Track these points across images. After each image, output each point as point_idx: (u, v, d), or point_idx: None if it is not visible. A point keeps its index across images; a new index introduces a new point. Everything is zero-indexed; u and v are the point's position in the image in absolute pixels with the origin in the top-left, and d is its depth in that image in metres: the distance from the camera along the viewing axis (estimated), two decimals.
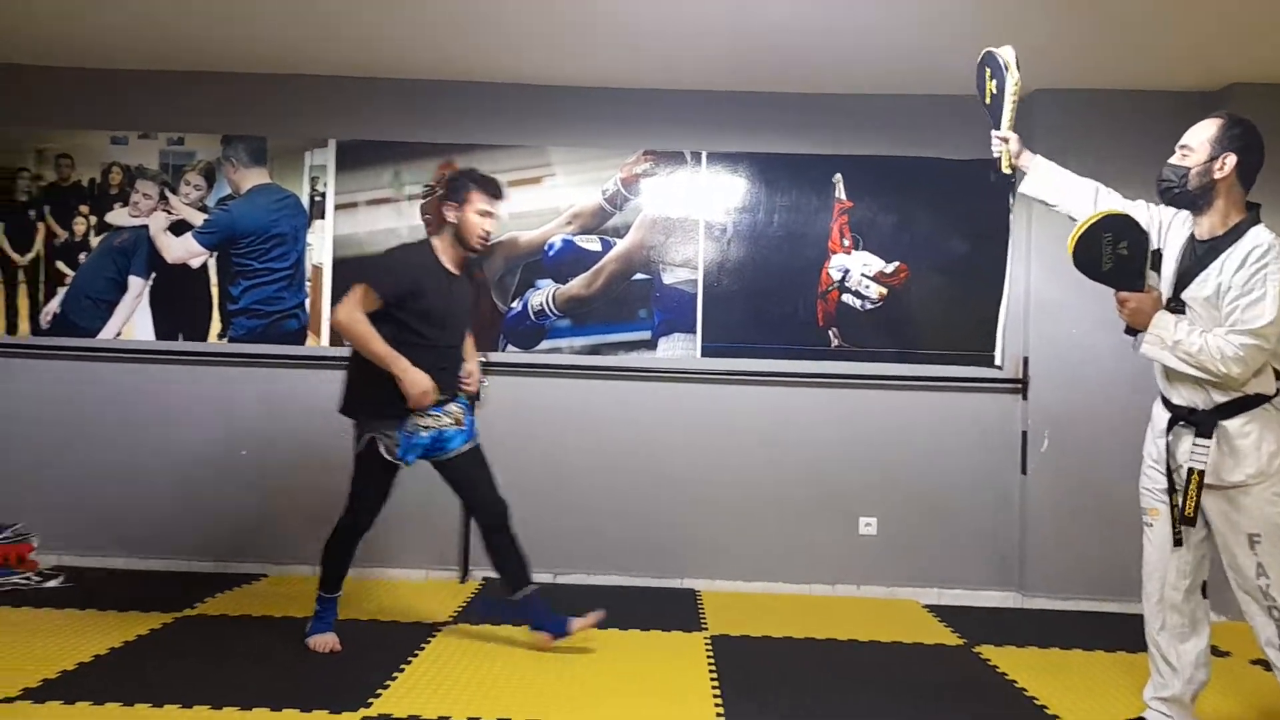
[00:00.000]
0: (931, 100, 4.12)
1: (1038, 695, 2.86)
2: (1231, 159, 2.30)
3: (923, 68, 3.80)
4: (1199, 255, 2.37)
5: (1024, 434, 4.03)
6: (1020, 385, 4.06)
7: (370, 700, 2.61)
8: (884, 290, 4.16)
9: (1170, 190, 2.38)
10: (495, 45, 3.71)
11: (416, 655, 3.02)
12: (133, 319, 4.16)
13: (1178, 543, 2.43)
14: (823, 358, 4.15)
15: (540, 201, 4.13)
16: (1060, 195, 2.61)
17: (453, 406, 3.07)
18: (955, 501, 4.07)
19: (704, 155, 4.18)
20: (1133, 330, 2.47)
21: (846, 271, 4.18)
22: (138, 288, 4.16)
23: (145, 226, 4.18)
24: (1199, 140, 2.34)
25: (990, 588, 4.05)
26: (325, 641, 3.03)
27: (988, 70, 2.67)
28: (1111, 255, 2.37)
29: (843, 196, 4.18)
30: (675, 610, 3.68)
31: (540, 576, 3.97)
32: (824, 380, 4.13)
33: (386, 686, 2.72)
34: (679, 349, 4.16)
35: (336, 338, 4.13)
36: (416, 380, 2.84)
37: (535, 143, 4.16)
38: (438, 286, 2.96)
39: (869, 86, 4.06)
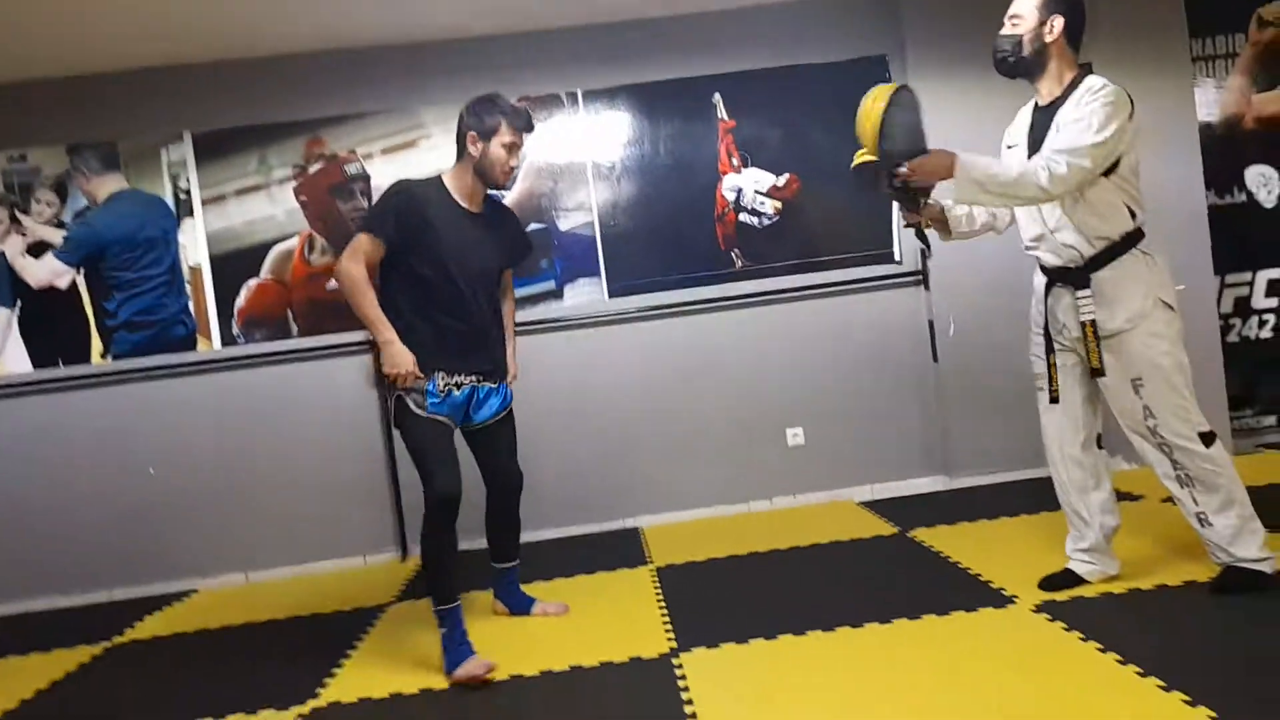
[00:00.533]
0: (800, 5, 4.10)
1: (971, 566, 2.96)
2: (1059, 20, 2.39)
3: None
4: (1044, 120, 2.45)
5: (930, 323, 4.12)
6: (921, 276, 4.14)
7: (318, 690, 2.56)
8: (778, 204, 4.17)
9: (1006, 60, 2.45)
10: (344, 8, 3.53)
11: (362, 639, 2.97)
12: (4, 351, 3.92)
13: (1054, 400, 2.53)
14: (729, 280, 4.15)
15: (419, 165, 3.99)
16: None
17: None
18: (875, 398, 4.16)
19: (580, 94, 4.09)
20: (923, 236, 2.65)
21: (740, 191, 4.17)
22: (3, 318, 3.92)
23: (0, 253, 3.92)
24: (1027, 8, 2.43)
25: (919, 475, 4.16)
26: (474, 669, 2.47)
27: (881, 173, 2.46)
28: (890, 188, 2.46)
29: (725, 116, 4.14)
30: (620, 550, 3.69)
31: (478, 543, 3.97)
32: (733, 302, 4.14)
33: (333, 675, 2.67)
34: (586, 295, 4.12)
35: (229, 336, 3.97)
36: (395, 356, 2.51)
37: (405, 105, 4.01)
38: (452, 223, 2.62)
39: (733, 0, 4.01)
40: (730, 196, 4.16)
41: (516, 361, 2.95)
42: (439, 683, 2.52)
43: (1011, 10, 2.46)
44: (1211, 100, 4.24)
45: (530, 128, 2.69)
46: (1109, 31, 3.88)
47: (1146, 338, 2.38)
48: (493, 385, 2.77)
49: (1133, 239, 2.41)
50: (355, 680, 2.61)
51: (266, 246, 3.99)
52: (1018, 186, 2.28)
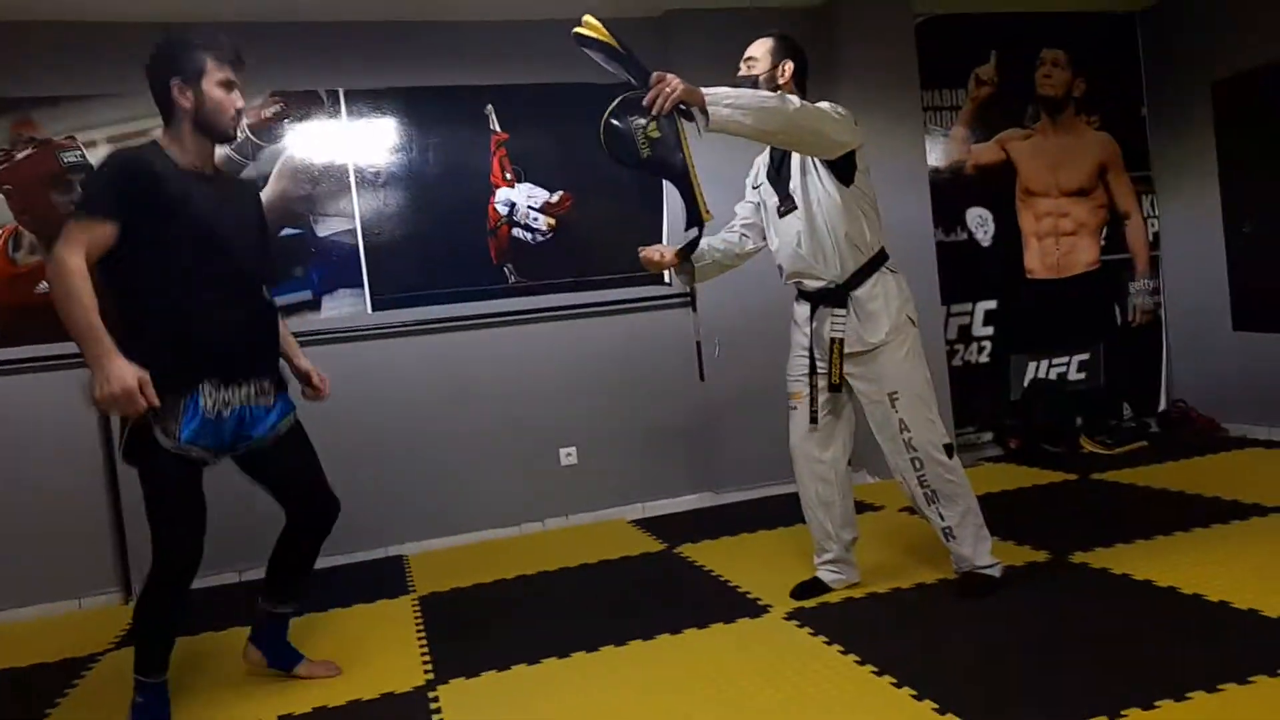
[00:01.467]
0: (572, 23, 4.10)
1: (731, 578, 3.06)
2: (789, 65, 2.59)
3: None
4: (780, 152, 2.64)
5: (698, 344, 4.25)
6: (689, 298, 4.26)
7: None
8: (552, 220, 4.15)
9: (744, 79, 2.59)
10: None
11: (67, 694, 2.58)
12: None
13: (813, 420, 2.68)
14: (501, 295, 4.07)
15: None
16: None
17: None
18: (645, 417, 4.22)
19: (342, 94, 3.86)
20: (695, 225, 2.38)
21: (513, 205, 4.11)
22: None
23: None
24: (761, 52, 2.62)
25: (687, 492, 4.27)
26: None
27: (633, 119, 2.25)
28: (645, 141, 2.24)
29: (497, 128, 4.08)
30: (381, 580, 3.48)
31: (225, 576, 3.61)
32: (505, 319, 4.06)
33: None
34: (347, 306, 3.88)
35: None
36: (114, 374, 1.92)
37: (138, 90, 3.58)
38: (191, 190, 2.11)
39: (513, 11, 3.96)
40: (503, 210, 4.09)
41: (305, 361, 2.48)
42: None
43: (747, 53, 2.63)
44: (938, 147, 4.72)
45: (241, 60, 2.20)
46: (851, 82, 4.22)
47: (899, 353, 2.57)
48: (267, 404, 2.28)
49: (881, 258, 2.60)
50: None
51: None
52: (766, 102, 2.25)
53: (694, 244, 2.53)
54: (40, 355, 3.49)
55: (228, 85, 2.17)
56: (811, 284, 2.64)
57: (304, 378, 2.50)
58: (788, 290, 2.80)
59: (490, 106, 4.05)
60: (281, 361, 2.42)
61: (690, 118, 2.24)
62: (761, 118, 2.22)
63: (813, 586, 2.78)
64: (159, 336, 2.08)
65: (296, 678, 2.49)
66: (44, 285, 3.48)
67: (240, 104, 2.20)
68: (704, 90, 2.19)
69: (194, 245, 2.12)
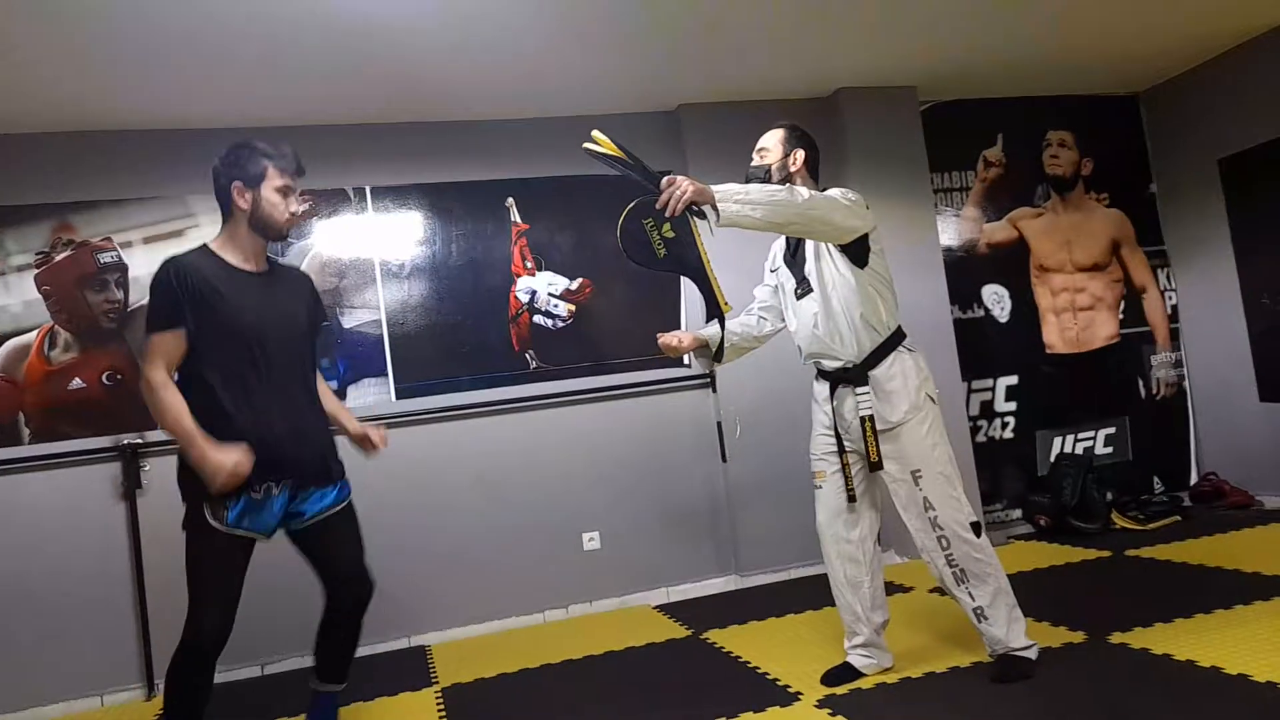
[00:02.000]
0: (590, 119, 4.25)
1: (759, 664, 2.99)
2: (800, 153, 2.68)
3: (570, 88, 3.93)
4: (793, 242, 2.70)
5: (719, 425, 4.26)
6: (709, 380, 4.29)
7: None
8: (572, 307, 4.22)
9: (754, 175, 2.68)
10: (97, 86, 3.29)
11: None
12: None
13: (852, 499, 2.66)
14: (522, 381, 4.11)
15: None
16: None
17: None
18: (668, 500, 4.20)
19: (368, 190, 4.00)
20: (714, 317, 2.46)
21: (534, 293, 4.19)
22: None
23: None
24: (772, 142, 2.71)
25: (712, 576, 4.21)
26: None
27: (647, 222, 2.37)
28: (660, 241, 2.36)
29: (518, 219, 4.19)
30: (403, 671, 3.43)
31: (248, 671, 3.57)
32: (527, 404, 4.09)
33: None
34: (371, 395, 3.93)
35: None
36: (214, 465, 2.11)
37: (171, 193, 3.75)
38: (238, 291, 2.25)
39: (531, 111, 4.12)
40: (524, 298, 4.17)
41: (358, 425, 2.54)
42: None
43: (760, 144, 2.73)
44: (951, 227, 4.79)
45: (301, 169, 2.39)
46: (861, 168, 4.32)
47: (920, 430, 2.56)
48: (320, 488, 2.38)
49: (898, 337, 2.63)
50: None
51: None
52: (775, 195, 2.31)
53: (720, 344, 2.63)
54: (71, 450, 3.55)
55: (285, 191, 2.33)
56: (830, 364, 2.66)
57: (360, 440, 2.56)
58: (807, 370, 2.82)
59: (511, 199, 4.17)
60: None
61: (702, 215, 2.32)
62: (771, 211, 2.29)
63: (844, 672, 2.72)
64: (210, 429, 2.18)
65: None
66: (77, 382, 3.57)
67: (295, 209, 2.36)
68: (713, 189, 2.27)
69: (240, 351, 2.25)
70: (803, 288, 2.68)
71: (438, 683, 3.24)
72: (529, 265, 4.19)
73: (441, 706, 2.97)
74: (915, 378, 2.60)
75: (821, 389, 2.72)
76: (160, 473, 3.56)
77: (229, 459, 2.13)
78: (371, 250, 3.98)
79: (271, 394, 2.28)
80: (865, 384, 2.58)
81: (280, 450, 2.26)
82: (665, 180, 2.27)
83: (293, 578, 2.58)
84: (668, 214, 2.27)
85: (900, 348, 2.62)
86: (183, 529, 2.25)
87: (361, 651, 3.63)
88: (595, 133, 2.34)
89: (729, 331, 2.79)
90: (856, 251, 2.56)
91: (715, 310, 2.42)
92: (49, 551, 3.48)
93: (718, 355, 2.76)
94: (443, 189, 4.09)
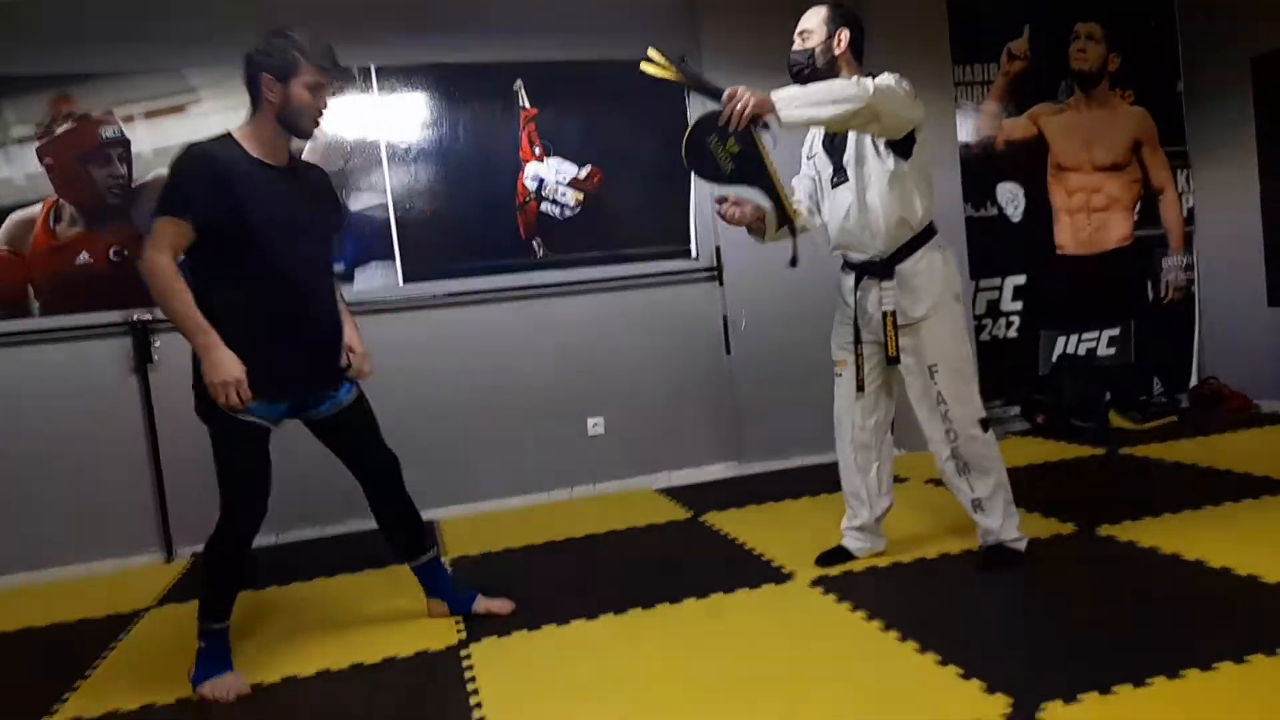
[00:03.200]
0: (603, 1, 4.12)
1: (756, 546, 3.09)
2: (845, 33, 2.54)
3: None
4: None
5: (724, 318, 4.27)
6: (716, 273, 4.28)
7: (55, 707, 2.27)
8: (580, 195, 4.17)
9: (802, 72, 2.56)
10: None
11: (113, 648, 2.67)
12: None
13: (861, 388, 2.69)
14: (529, 269, 4.11)
15: (189, 133, 3.62)
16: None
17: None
18: (671, 389, 4.26)
19: (373, 70, 3.90)
20: (784, 224, 2.47)
21: (541, 180, 4.14)
22: None
23: None
24: (815, 23, 2.56)
25: (713, 462, 4.31)
26: (227, 686, 2.24)
27: (711, 138, 2.32)
28: (726, 157, 2.32)
29: (526, 104, 4.10)
30: None
31: (263, 540, 3.69)
32: (534, 292, 4.10)
33: (75, 688, 2.38)
34: (379, 279, 3.94)
35: None
36: (219, 365, 2.10)
37: (170, 65, 3.66)
38: (263, 188, 2.20)
39: None
40: (532, 186, 4.12)
41: (359, 341, 2.50)
42: None
43: (801, 26, 2.58)
44: (969, 122, 4.68)
45: (336, 64, 2.29)
46: (881, 56, 4.16)
47: (942, 326, 2.57)
48: (332, 390, 2.40)
49: (929, 233, 2.60)
50: (102, 692, 2.34)
51: (3, 213, 3.52)
52: (840, 93, 2.25)
53: (794, 248, 2.53)
54: (81, 324, 3.58)
55: (316, 88, 2.24)
56: (857, 256, 2.64)
57: (350, 355, 2.50)
58: (810, 266, 2.78)
59: (519, 82, 4.07)
60: None
61: (766, 125, 2.28)
62: (837, 110, 2.24)
63: (837, 554, 2.81)
64: (224, 332, 2.15)
65: (478, 615, 2.62)
66: (84, 257, 3.57)
67: (324, 105, 2.28)
68: (774, 95, 2.22)
69: (263, 250, 2.20)
70: (839, 176, 2.61)
71: (447, 554, 3.36)
72: (537, 151, 4.12)
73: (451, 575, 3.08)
74: (942, 275, 2.58)
75: (847, 280, 2.70)
76: (171, 349, 3.60)
77: (234, 367, 2.12)
78: (378, 132, 3.91)
79: (288, 293, 2.25)
80: (891, 278, 2.57)
81: (294, 355, 2.27)
82: (726, 94, 2.23)
83: (304, 450, 2.63)
84: (731, 129, 2.24)
85: (930, 243, 2.59)
86: (200, 417, 2.24)
87: (374, 525, 3.79)
88: (651, 51, 2.30)
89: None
90: (903, 143, 2.48)
91: (785, 219, 2.41)
92: (65, 421, 3.56)
93: (764, 232, 2.67)
94: (450, 70, 3.99)
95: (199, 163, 2.15)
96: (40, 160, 3.53)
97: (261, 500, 2.26)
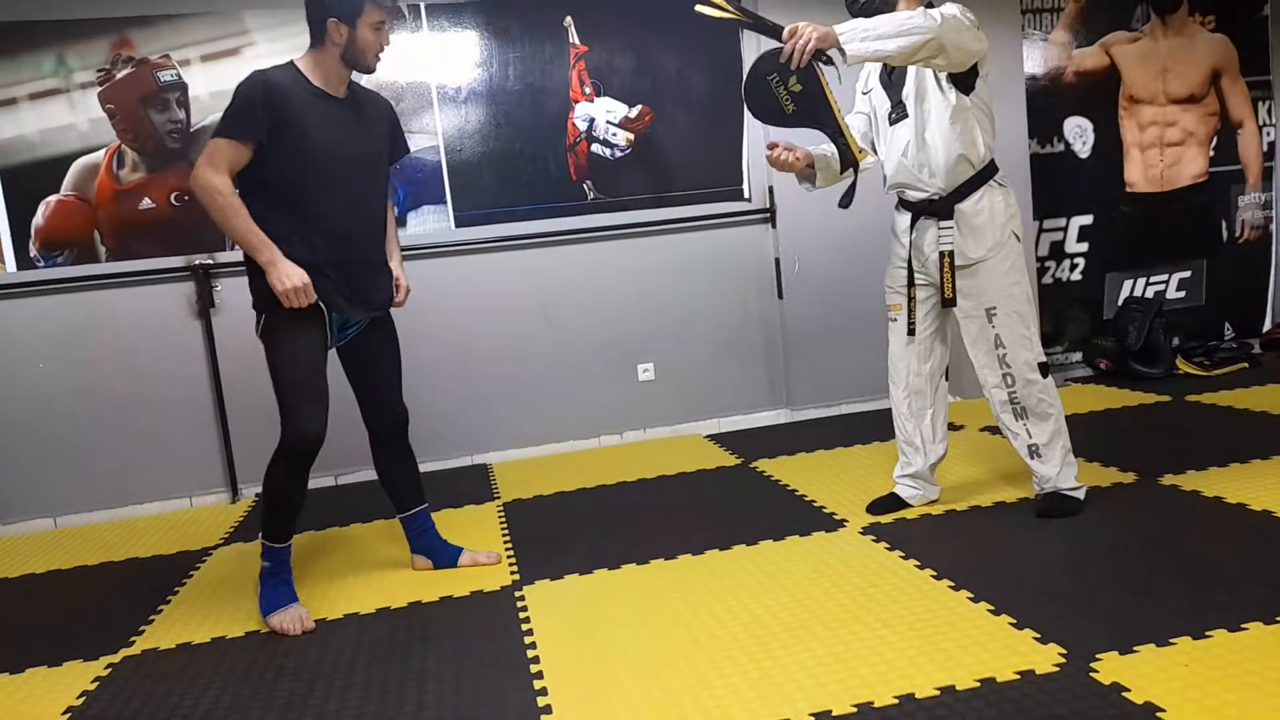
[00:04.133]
0: None
1: (807, 493, 3.09)
2: None
3: None
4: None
5: (777, 261, 4.21)
6: (769, 215, 4.20)
7: (133, 639, 2.39)
8: (631, 136, 4.11)
9: (860, 3, 2.46)
10: None
11: (185, 583, 2.80)
12: None
13: (911, 332, 2.64)
14: (580, 212, 4.08)
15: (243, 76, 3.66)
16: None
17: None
18: (722, 334, 4.23)
19: (423, 8, 3.86)
20: (849, 167, 2.38)
21: (592, 121, 4.08)
22: None
23: None
24: None
25: (763, 409, 4.29)
26: (295, 618, 2.32)
27: (772, 78, 2.24)
28: (788, 96, 2.26)
29: (576, 41, 4.02)
30: (467, 486, 3.63)
31: (322, 481, 3.81)
32: (584, 235, 4.08)
33: (151, 621, 2.50)
34: (430, 223, 3.95)
35: (26, 259, 3.57)
36: (285, 273, 2.20)
37: (227, 8, 3.66)
38: (320, 114, 2.27)
39: None
40: (582, 126, 4.06)
41: (404, 274, 2.56)
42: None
43: None
44: (1037, 53, 4.47)
45: (398, 8, 2.36)
46: None
47: (1002, 268, 2.50)
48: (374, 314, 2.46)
49: (990, 170, 2.51)
50: (175, 625, 2.45)
51: (68, 159, 3.59)
52: (905, 24, 2.17)
53: (851, 188, 2.48)
54: (146, 269, 3.67)
55: (380, 27, 2.30)
56: (915, 195, 2.56)
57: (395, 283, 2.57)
58: (867, 208, 2.72)
59: (569, 19, 3.99)
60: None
61: (829, 61, 2.21)
62: (905, 43, 2.15)
63: (890, 502, 2.79)
64: (287, 234, 2.25)
65: (464, 568, 2.67)
66: (147, 202, 3.64)
67: (387, 42, 2.33)
68: (837, 29, 2.15)
69: (318, 174, 2.27)
70: (898, 112, 2.52)
71: (499, 498, 3.42)
72: (587, 91, 4.05)
73: (503, 518, 3.16)
74: (1003, 214, 2.50)
75: (902, 220, 2.63)
76: (232, 292, 3.68)
77: (299, 272, 2.22)
78: (428, 73, 3.88)
79: (347, 220, 2.33)
80: (950, 218, 2.49)
81: (350, 282, 2.34)
82: (787, 31, 2.17)
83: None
84: (793, 66, 2.18)
85: (991, 182, 2.51)
86: (259, 337, 2.33)
87: (428, 466, 3.84)
88: None
89: (834, 155, 2.54)
90: (965, 77, 2.39)
91: (850, 159, 2.34)
92: (133, 365, 3.67)
93: (815, 178, 2.63)
94: (500, 6, 3.92)
95: (262, 89, 2.21)
96: (102, 106, 3.59)
97: (320, 413, 2.31)
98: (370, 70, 2.36)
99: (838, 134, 2.31)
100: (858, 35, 2.15)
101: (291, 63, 2.32)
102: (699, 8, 2.25)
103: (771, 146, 2.54)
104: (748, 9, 2.31)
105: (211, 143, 2.21)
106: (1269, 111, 4.74)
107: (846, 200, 2.43)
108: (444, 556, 2.69)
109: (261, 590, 2.39)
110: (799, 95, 2.26)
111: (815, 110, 2.27)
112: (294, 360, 2.29)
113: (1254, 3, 4.69)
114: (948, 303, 2.54)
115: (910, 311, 2.64)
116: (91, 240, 3.63)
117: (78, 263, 3.62)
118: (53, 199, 3.58)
